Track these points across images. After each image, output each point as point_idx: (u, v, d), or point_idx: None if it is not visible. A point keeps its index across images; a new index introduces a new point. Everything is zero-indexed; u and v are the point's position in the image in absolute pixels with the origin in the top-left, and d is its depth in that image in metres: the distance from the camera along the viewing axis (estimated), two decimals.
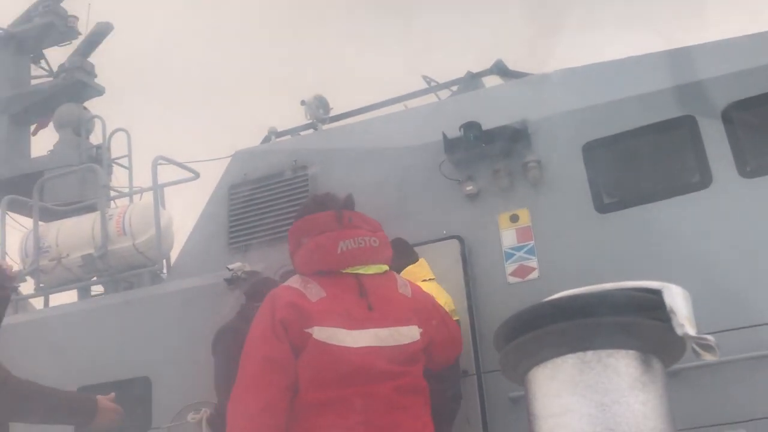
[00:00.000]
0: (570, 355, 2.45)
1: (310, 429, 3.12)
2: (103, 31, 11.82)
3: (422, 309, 3.56)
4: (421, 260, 6.13)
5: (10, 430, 4.59)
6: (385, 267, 3.50)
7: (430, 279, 6.01)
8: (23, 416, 4.68)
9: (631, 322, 2.48)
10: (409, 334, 3.35)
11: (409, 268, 5.91)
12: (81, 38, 11.95)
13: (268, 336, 3.17)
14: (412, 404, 3.29)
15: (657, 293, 2.55)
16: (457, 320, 5.86)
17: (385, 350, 3.23)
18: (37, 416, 4.68)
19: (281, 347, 3.14)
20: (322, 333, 3.16)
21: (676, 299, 2.51)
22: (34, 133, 11.63)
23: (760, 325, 5.50)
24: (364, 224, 3.49)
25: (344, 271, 3.36)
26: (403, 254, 5.95)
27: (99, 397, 4.70)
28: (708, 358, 2.48)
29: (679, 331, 2.45)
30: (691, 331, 2.45)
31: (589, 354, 2.43)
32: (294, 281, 3.37)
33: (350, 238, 3.37)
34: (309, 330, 3.15)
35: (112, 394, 4.77)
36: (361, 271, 3.38)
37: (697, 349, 2.49)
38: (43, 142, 11.56)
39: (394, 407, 3.19)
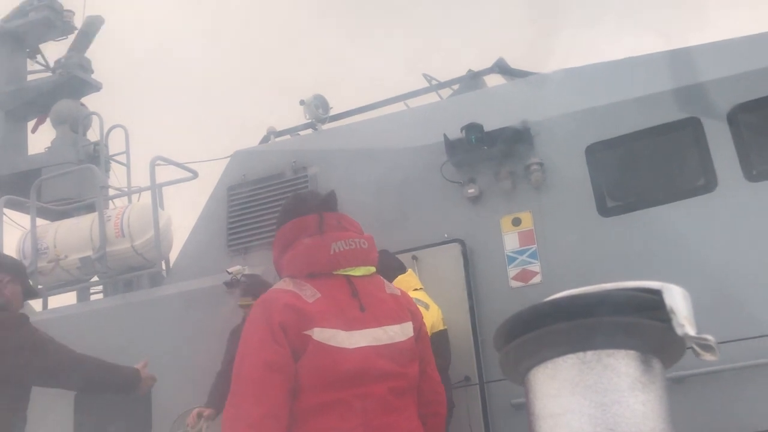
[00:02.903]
0: (570, 355, 2.44)
1: None
2: (94, 24, 11.81)
3: (412, 304, 3.61)
4: (410, 270, 6.13)
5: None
6: (373, 269, 3.49)
7: (419, 288, 6.01)
8: (78, 384, 5.31)
9: (631, 322, 2.47)
10: (402, 331, 3.35)
11: (399, 278, 5.89)
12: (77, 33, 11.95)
13: (266, 341, 3.09)
14: (405, 406, 3.28)
15: (657, 293, 2.53)
16: (445, 329, 5.85)
17: (381, 349, 3.21)
18: (90, 385, 5.29)
19: (282, 351, 3.08)
20: (322, 334, 3.11)
21: (676, 299, 2.50)
22: (34, 130, 11.57)
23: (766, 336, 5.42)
24: (350, 226, 3.49)
25: (335, 273, 3.33)
26: (392, 265, 5.94)
27: (138, 367, 5.28)
28: (708, 358, 2.46)
29: (679, 331, 2.44)
30: (691, 331, 2.44)
31: (589, 354, 2.42)
32: (285, 284, 3.31)
33: (342, 240, 3.36)
34: (308, 332, 3.10)
35: (146, 360, 5.36)
36: (351, 273, 3.36)
37: (697, 349, 2.48)
38: (41, 138, 11.52)
39: (389, 409, 3.18)
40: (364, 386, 3.12)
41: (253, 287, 6.35)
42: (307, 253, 3.33)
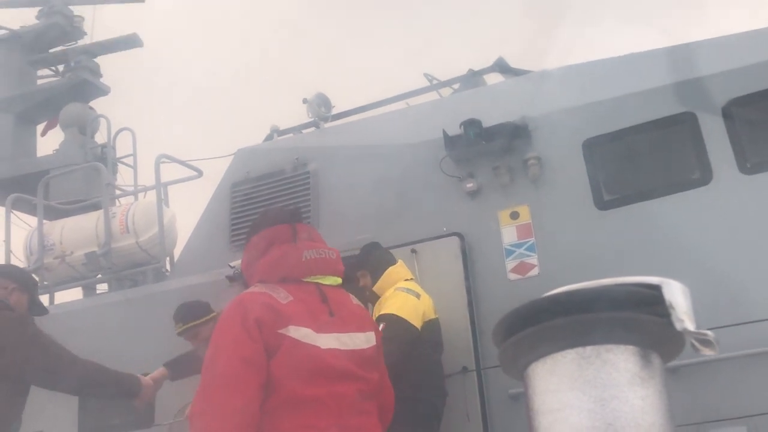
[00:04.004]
0: (569, 351, 2.44)
1: (284, 430, 3.11)
2: (131, 43, 11.93)
3: (372, 319, 3.81)
4: (400, 261, 6.14)
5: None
6: (340, 280, 3.60)
7: (410, 279, 6.04)
8: (75, 387, 5.32)
9: (630, 317, 2.47)
10: (366, 339, 3.46)
11: (390, 269, 5.93)
12: (86, 37, 12.02)
13: (241, 337, 3.13)
14: (371, 410, 3.38)
15: (656, 288, 2.52)
16: (436, 318, 5.89)
17: (348, 353, 3.31)
18: (87, 389, 5.38)
19: (255, 347, 3.11)
20: (297, 332, 3.18)
21: (676, 294, 2.50)
22: (43, 134, 11.63)
23: (760, 321, 5.51)
24: (318, 239, 3.61)
25: (305, 280, 3.43)
26: (383, 257, 6.01)
27: (140, 376, 5.43)
28: (707, 353, 2.47)
29: (678, 327, 2.44)
30: (691, 326, 2.44)
31: (588, 349, 2.42)
32: (259, 287, 3.38)
33: (313, 249, 3.48)
34: (283, 330, 3.16)
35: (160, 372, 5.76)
36: (320, 281, 3.47)
37: (696, 344, 2.48)
38: (49, 141, 11.58)
39: (359, 410, 3.27)
40: (336, 385, 3.19)
41: (184, 311, 6.33)
42: (280, 259, 3.42)
